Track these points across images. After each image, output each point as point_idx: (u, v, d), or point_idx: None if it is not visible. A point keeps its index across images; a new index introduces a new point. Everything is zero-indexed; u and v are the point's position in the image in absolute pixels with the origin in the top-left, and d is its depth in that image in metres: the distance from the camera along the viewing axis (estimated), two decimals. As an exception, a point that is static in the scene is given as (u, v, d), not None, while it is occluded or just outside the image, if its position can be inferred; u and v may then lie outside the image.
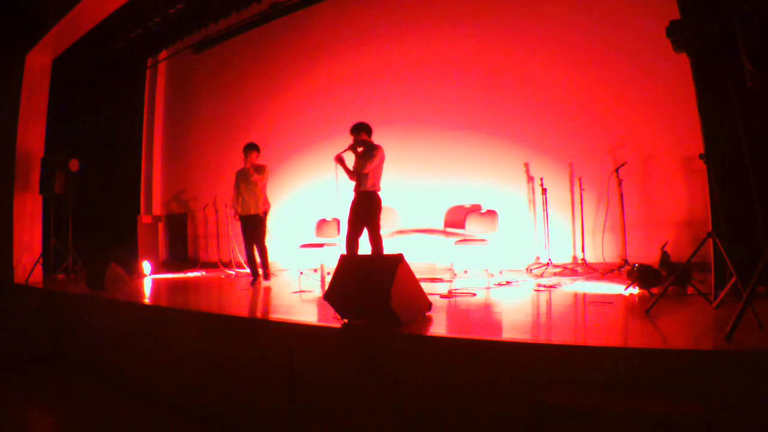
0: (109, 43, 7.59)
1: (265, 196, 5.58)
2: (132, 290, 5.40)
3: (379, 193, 4.79)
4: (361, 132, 4.79)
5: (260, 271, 5.62)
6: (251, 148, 5.58)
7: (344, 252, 4.65)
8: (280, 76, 8.09)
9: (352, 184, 4.82)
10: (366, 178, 4.71)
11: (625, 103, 5.43)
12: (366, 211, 4.71)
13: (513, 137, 6.06)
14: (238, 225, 5.78)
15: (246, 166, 5.50)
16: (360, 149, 4.79)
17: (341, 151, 4.73)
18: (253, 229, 5.52)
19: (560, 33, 5.80)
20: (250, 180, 5.44)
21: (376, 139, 4.95)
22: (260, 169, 5.52)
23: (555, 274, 5.35)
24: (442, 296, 4.11)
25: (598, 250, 5.50)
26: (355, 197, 4.79)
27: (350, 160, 4.83)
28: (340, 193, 4.78)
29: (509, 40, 6.14)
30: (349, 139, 4.81)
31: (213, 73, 9.04)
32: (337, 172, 4.73)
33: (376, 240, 4.67)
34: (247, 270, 6.03)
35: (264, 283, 5.59)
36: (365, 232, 4.74)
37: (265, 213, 5.57)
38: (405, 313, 2.82)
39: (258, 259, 5.59)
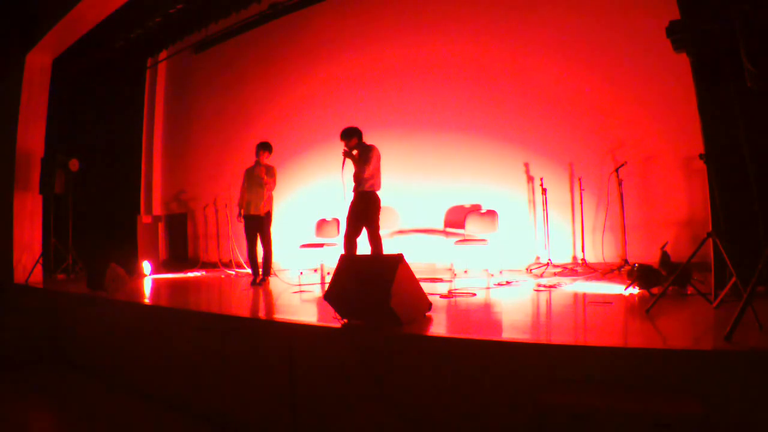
0: (109, 43, 7.58)
1: (269, 197, 5.58)
2: (132, 290, 5.40)
3: (378, 193, 4.79)
4: (352, 137, 4.80)
5: (260, 271, 5.61)
6: (265, 147, 5.57)
7: (343, 252, 4.66)
8: (280, 76, 8.09)
9: (352, 184, 4.82)
10: (365, 179, 4.71)
11: (625, 103, 5.43)
12: (365, 211, 4.72)
13: (513, 137, 6.06)
14: (238, 225, 5.78)
15: (259, 170, 5.47)
16: (355, 152, 4.79)
17: (342, 167, 4.72)
18: (257, 229, 5.51)
19: (560, 33, 5.81)
20: (262, 182, 5.43)
21: (377, 139, 4.95)
22: (271, 172, 5.51)
23: (555, 274, 5.35)
24: (442, 296, 4.11)
25: (598, 250, 5.50)
26: (354, 197, 4.80)
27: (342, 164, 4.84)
28: (341, 193, 4.80)
29: (509, 41, 6.14)
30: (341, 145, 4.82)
31: (213, 73, 9.04)
32: (344, 184, 4.73)
33: (375, 240, 4.68)
34: (248, 270, 6.02)
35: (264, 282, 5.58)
36: (364, 232, 4.74)
37: (268, 213, 5.57)
38: (405, 313, 2.82)
39: (260, 259, 5.59)
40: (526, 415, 2.14)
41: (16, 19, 6.93)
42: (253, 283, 5.54)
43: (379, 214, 4.78)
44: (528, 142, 5.98)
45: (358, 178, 4.74)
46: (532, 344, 2.42)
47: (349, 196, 4.85)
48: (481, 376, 2.37)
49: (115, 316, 4.54)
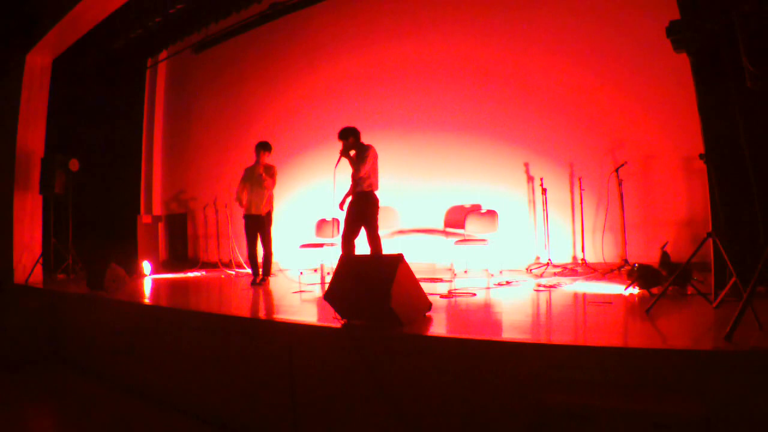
0: (109, 43, 7.58)
1: (270, 197, 5.58)
2: (132, 290, 5.40)
3: (377, 193, 4.79)
4: (349, 136, 4.79)
5: (260, 271, 5.61)
6: (264, 147, 5.56)
7: (341, 252, 4.65)
8: (280, 76, 8.09)
9: (347, 184, 4.81)
10: (362, 179, 4.71)
11: (625, 103, 5.43)
12: (363, 211, 4.71)
13: (513, 137, 6.06)
14: (235, 224, 5.77)
15: (259, 169, 5.47)
16: (352, 152, 4.79)
17: (336, 164, 4.71)
18: (258, 228, 5.51)
19: (560, 33, 5.81)
20: (261, 182, 5.43)
21: (377, 139, 4.95)
22: (270, 171, 5.51)
23: (555, 274, 5.35)
24: (442, 296, 4.11)
25: (598, 250, 5.50)
26: (352, 198, 4.80)
27: (343, 165, 4.82)
28: (338, 193, 4.79)
29: (509, 41, 6.14)
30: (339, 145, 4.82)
31: (213, 73, 9.04)
32: (335, 182, 4.72)
33: (374, 240, 4.67)
34: (248, 270, 6.01)
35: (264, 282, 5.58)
36: (363, 232, 4.73)
37: (269, 213, 5.56)
38: (405, 313, 2.82)
39: (260, 259, 5.58)
40: (526, 415, 2.14)
41: (16, 19, 6.93)
42: (253, 283, 5.53)
43: (377, 214, 4.77)
44: (528, 142, 5.98)
45: (355, 178, 4.74)
46: (532, 344, 2.42)
47: (340, 195, 4.83)
48: (481, 376, 2.37)
49: (115, 316, 4.54)
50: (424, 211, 6.56)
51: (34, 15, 6.91)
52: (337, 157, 4.75)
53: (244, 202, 5.55)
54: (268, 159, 5.60)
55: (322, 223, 6.79)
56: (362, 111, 6.88)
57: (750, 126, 3.16)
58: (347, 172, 4.83)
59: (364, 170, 4.67)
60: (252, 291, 5.16)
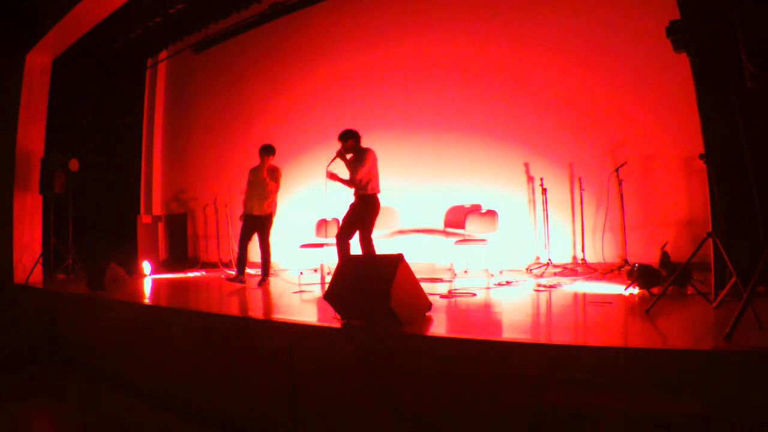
0: (109, 43, 7.59)
1: (274, 199, 5.57)
2: (132, 290, 5.40)
3: (378, 196, 4.78)
4: (349, 139, 4.76)
5: (258, 271, 5.59)
6: (268, 151, 5.55)
7: (336, 252, 4.64)
8: (280, 76, 8.09)
9: (332, 182, 4.77)
10: (363, 182, 4.69)
11: (625, 103, 5.43)
12: (362, 213, 4.70)
13: (513, 137, 6.06)
14: (235, 224, 5.77)
15: (263, 173, 5.47)
16: (349, 156, 4.78)
17: (329, 162, 4.70)
18: (256, 228, 5.50)
19: (560, 33, 5.80)
20: (265, 185, 5.43)
21: (377, 139, 4.95)
22: (275, 174, 5.50)
23: (555, 274, 5.35)
24: (442, 296, 4.11)
25: (598, 250, 5.50)
26: (355, 200, 4.79)
27: (340, 166, 4.80)
28: (335, 195, 4.77)
29: (509, 40, 6.14)
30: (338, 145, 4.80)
31: (213, 74, 9.04)
32: (326, 182, 4.69)
33: (367, 243, 4.64)
34: (249, 270, 5.99)
35: (263, 283, 5.56)
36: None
37: (270, 215, 5.55)
38: (405, 313, 2.82)
39: (251, 259, 5.56)
40: (526, 415, 2.14)
41: (16, 19, 6.93)
42: (232, 279, 5.49)
43: (375, 218, 4.74)
44: (528, 142, 5.98)
45: (355, 181, 4.72)
46: (532, 344, 2.42)
47: (330, 193, 4.79)
48: (481, 376, 2.37)
49: (115, 316, 4.54)
50: (424, 211, 6.55)
51: (34, 15, 6.91)
52: (332, 157, 4.73)
53: (248, 206, 5.54)
54: (272, 161, 5.60)
55: (322, 223, 6.78)
56: (362, 111, 6.88)
57: (750, 126, 3.16)
58: (343, 173, 4.81)
59: (361, 173, 4.65)
60: (252, 291, 5.15)
